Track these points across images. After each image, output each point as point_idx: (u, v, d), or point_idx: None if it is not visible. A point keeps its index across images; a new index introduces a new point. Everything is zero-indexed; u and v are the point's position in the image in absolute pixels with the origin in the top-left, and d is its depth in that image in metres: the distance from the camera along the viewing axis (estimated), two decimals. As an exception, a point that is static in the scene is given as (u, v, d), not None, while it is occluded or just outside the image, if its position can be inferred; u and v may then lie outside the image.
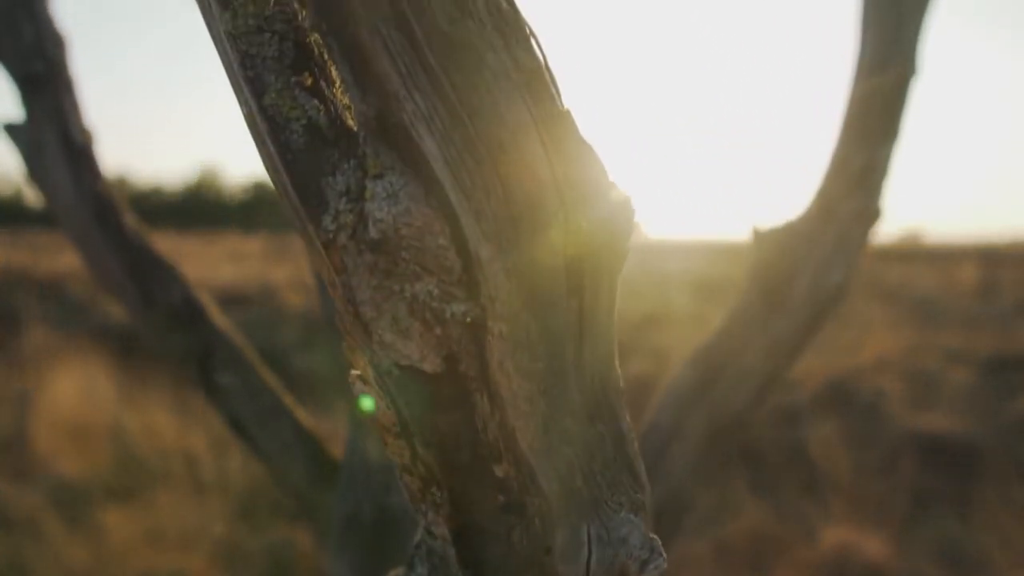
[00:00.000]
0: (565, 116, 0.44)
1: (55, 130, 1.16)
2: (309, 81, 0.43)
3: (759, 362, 1.25)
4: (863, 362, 6.98)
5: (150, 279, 1.19)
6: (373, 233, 0.42)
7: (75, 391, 5.21)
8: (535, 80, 0.42)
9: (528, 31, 0.42)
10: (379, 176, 0.42)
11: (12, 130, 1.17)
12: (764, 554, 3.80)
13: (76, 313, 7.78)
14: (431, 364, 0.44)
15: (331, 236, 0.43)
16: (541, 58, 0.43)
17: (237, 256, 12.87)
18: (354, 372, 0.51)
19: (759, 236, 1.32)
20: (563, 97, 0.44)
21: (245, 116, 0.44)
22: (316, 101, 0.43)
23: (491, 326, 0.44)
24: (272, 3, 0.42)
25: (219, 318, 1.26)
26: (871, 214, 1.30)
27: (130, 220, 1.21)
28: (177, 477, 4.21)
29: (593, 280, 0.47)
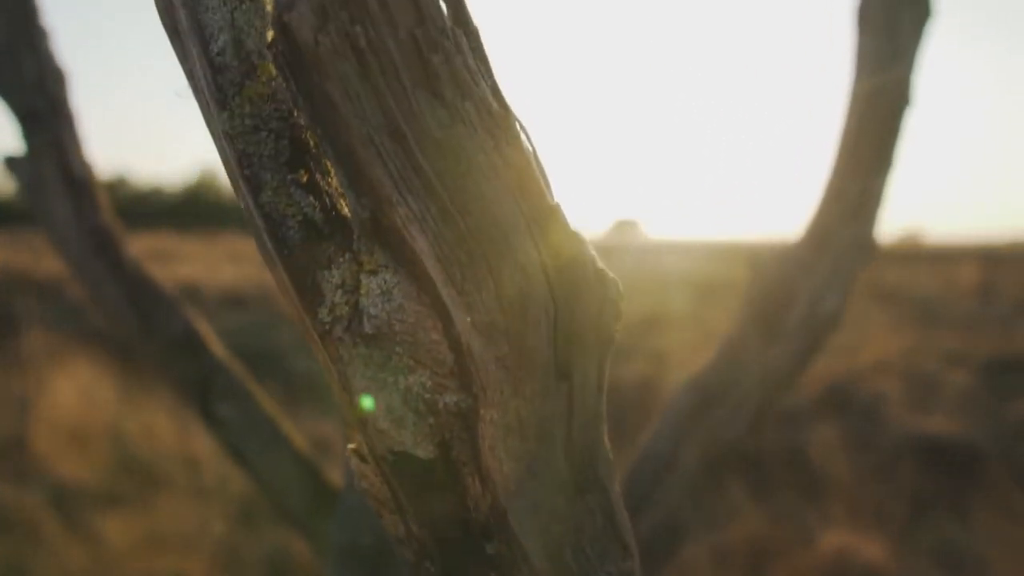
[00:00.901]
0: (555, 210, 0.45)
1: (56, 164, 1.17)
2: (305, 178, 0.44)
3: (754, 391, 1.27)
4: (863, 364, 6.98)
5: (151, 310, 1.20)
6: (368, 328, 0.43)
7: (75, 393, 5.22)
8: (525, 177, 0.43)
9: (518, 127, 0.43)
10: (374, 272, 0.43)
11: (13, 163, 1.18)
12: (762, 559, 3.80)
13: (76, 315, 7.79)
14: (424, 451, 0.46)
15: (327, 328, 0.44)
16: (531, 154, 0.44)
17: (237, 257, 12.85)
18: (351, 446, 0.52)
19: (755, 264, 1.34)
20: (552, 190, 0.46)
21: (243, 210, 0.45)
22: (312, 198, 0.44)
23: (483, 413, 0.46)
24: (269, 103, 0.43)
25: (219, 348, 1.27)
26: (866, 243, 1.31)
27: (130, 252, 1.22)
28: (177, 480, 4.22)
29: (582, 364, 0.48)
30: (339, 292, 0.44)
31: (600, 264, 0.48)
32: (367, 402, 0.45)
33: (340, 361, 0.45)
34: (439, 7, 0.39)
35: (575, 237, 0.46)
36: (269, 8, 0.46)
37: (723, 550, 3.74)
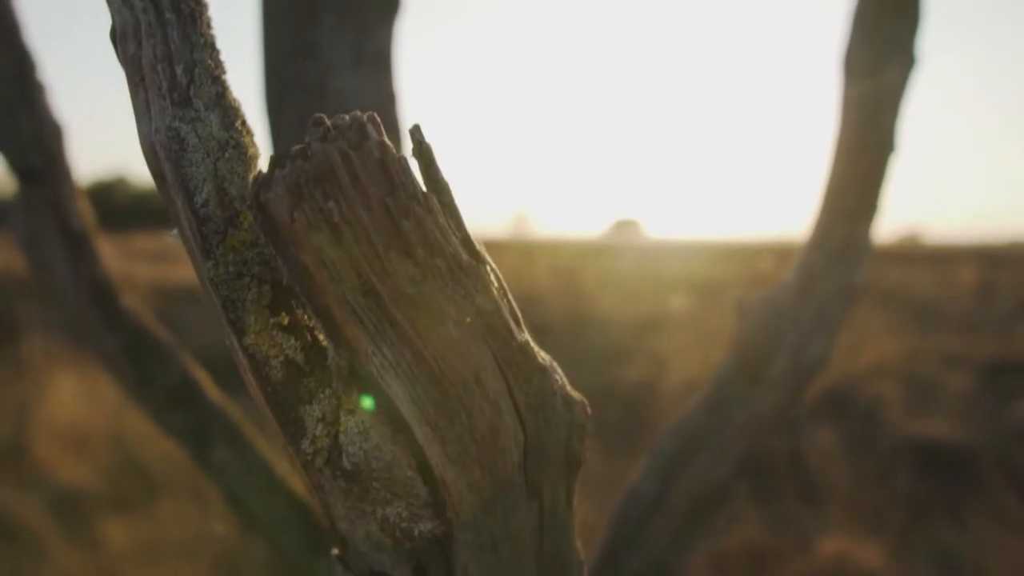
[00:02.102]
0: (523, 347, 0.47)
1: (53, 217, 1.19)
2: (286, 320, 0.46)
3: (739, 437, 1.29)
4: (861, 368, 6.96)
5: (147, 359, 1.23)
6: (346, 464, 0.46)
7: (75, 398, 5.22)
8: (493, 321, 0.46)
9: (488, 274, 0.46)
10: (352, 412, 0.46)
11: (10, 217, 1.20)
12: (760, 565, 3.81)
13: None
14: (402, 572, 0.48)
15: (309, 458, 0.47)
16: (500, 296, 0.46)
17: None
18: (335, 551, 0.54)
19: (742, 309, 1.36)
20: (521, 325, 0.48)
21: (229, 348, 0.47)
22: (293, 339, 0.47)
23: (456, 536, 0.48)
24: (251, 249, 0.45)
25: (215, 393, 1.29)
26: (851, 289, 1.33)
27: (127, 301, 1.24)
28: (178, 486, 4.23)
29: (552, 484, 0.51)
30: (320, 425, 0.47)
31: (568, 389, 0.50)
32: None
33: (321, 490, 0.47)
34: (409, 173, 0.42)
35: (542, 370, 0.49)
36: (251, 152, 0.48)
37: (721, 556, 3.75)
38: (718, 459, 1.29)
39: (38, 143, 1.18)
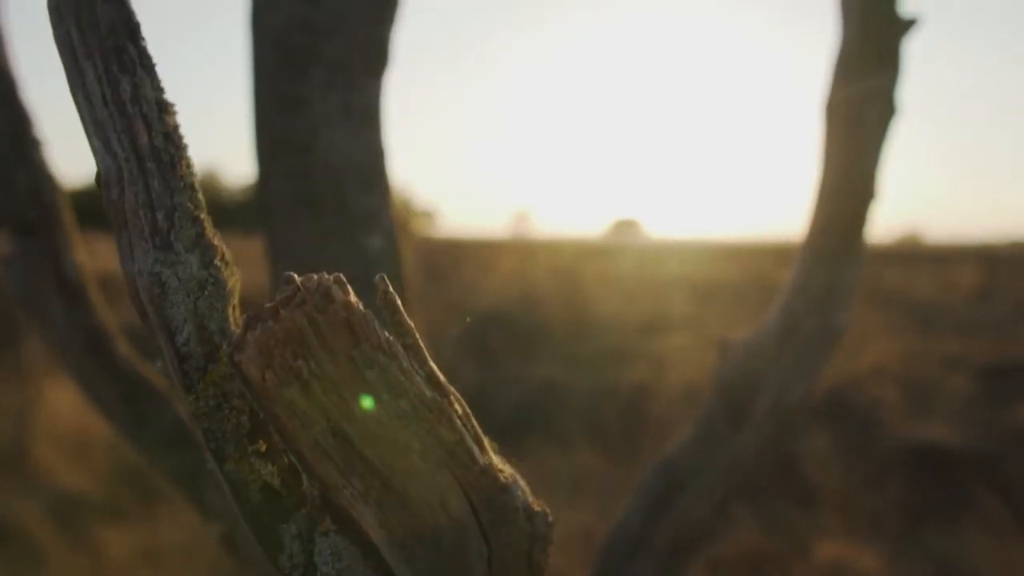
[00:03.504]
0: (485, 470, 0.50)
1: (49, 268, 1.22)
2: (264, 447, 0.49)
3: (721, 478, 1.32)
4: (860, 370, 6.95)
5: (142, 404, 1.26)
6: (320, 582, 0.49)
7: (75, 403, 5.23)
8: (457, 449, 0.49)
9: (451, 406, 0.49)
10: (325, 534, 0.49)
11: (6, 266, 1.23)
12: (757, 570, 3.82)
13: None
14: None
15: (287, 572, 0.50)
16: (463, 424, 0.49)
17: (237, 259, 12.81)
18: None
19: (725, 350, 1.39)
20: (484, 447, 0.51)
21: (211, 471, 0.50)
22: (271, 464, 0.50)
23: (425, 643, 0.51)
24: (231, 380, 0.48)
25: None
26: (832, 332, 1.36)
27: (123, 348, 1.27)
28: (177, 492, 4.23)
29: (517, 591, 0.54)
30: (296, 542, 0.50)
31: (530, 501, 0.53)
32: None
33: (299, 601, 0.50)
34: (373, 327, 0.44)
35: (505, 488, 0.51)
36: (230, 284, 0.51)
37: (718, 562, 3.77)
38: (700, 498, 1.33)
39: (35, 197, 1.21)
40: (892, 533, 3.98)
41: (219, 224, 0.56)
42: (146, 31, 0.49)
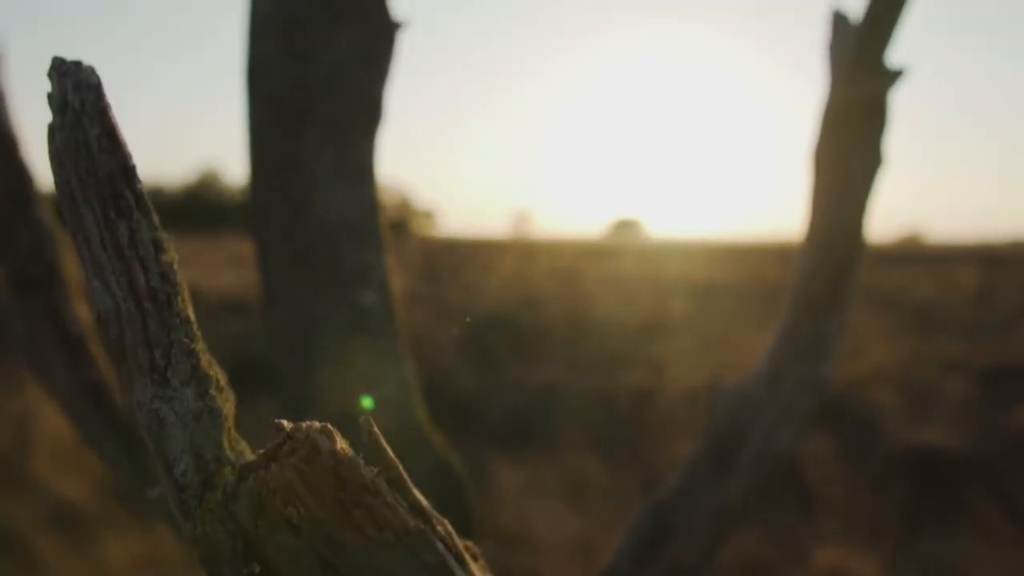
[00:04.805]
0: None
1: (50, 323, 1.24)
2: (257, 569, 0.52)
3: (708, 522, 1.35)
4: (859, 374, 6.95)
5: (143, 457, 1.28)
6: None
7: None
8: (440, 571, 0.51)
9: (433, 533, 0.51)
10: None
11: (9, 321, 1.25)
12: (756, 576, 3.83)
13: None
14: None
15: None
16: (445, 548, 0.52)
17: (237, 260, 12.77)
18: None
19: (714, 397, 1.41)
20: (465, 566, 0.54)
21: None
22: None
23: None
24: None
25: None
26: (818, 381, 1.38)
27: (123, 402, 1.29)
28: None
29: None
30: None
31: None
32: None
33: None
34: (359, 470, 0.47)
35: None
36: (225, 410, 0.54)
37: (716, 568, 3.78)
38: (688, 543, 1.35)
39: (36, 254, 1.24)
40: (891, 538, 3.99)
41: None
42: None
